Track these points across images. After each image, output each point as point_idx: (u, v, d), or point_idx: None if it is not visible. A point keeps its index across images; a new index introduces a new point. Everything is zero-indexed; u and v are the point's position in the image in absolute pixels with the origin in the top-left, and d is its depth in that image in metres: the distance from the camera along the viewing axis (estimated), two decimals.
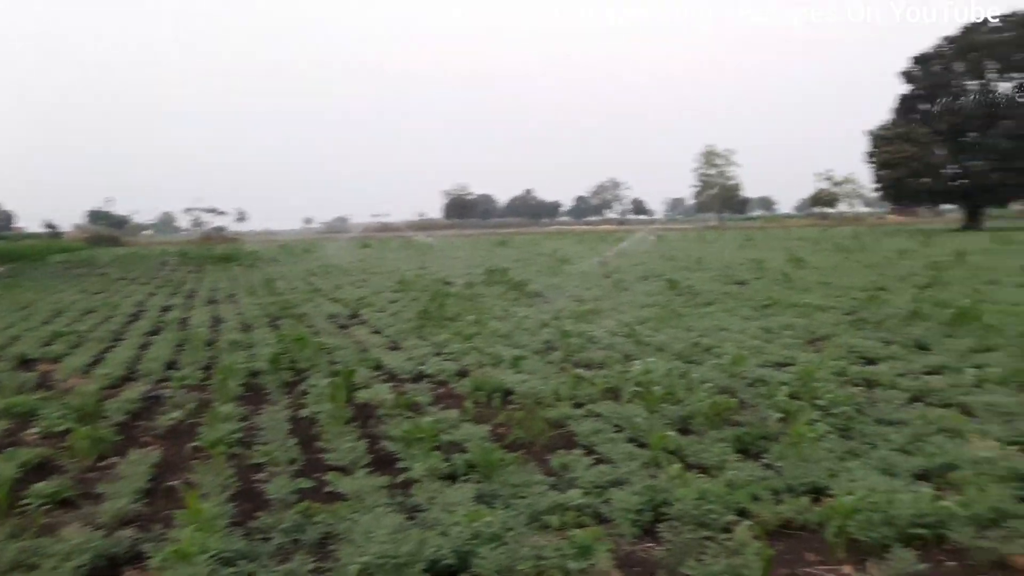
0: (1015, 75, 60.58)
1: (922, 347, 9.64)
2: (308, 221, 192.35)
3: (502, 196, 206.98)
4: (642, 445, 5.89)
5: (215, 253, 42.69)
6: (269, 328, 13.23)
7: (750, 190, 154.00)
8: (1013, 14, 60.21)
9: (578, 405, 7.29)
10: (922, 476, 5.12)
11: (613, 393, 7.67)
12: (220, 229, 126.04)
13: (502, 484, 5.10)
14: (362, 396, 7.82)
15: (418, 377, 8.99)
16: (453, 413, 7.01)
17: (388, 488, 5.23)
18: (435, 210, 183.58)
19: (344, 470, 5.66)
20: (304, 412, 7.38)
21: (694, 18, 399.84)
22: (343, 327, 13.47)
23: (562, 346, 9.94)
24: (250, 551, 4.32)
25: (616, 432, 6.31)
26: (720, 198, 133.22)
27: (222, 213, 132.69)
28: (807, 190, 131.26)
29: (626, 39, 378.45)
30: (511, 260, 30.59)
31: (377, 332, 12.59)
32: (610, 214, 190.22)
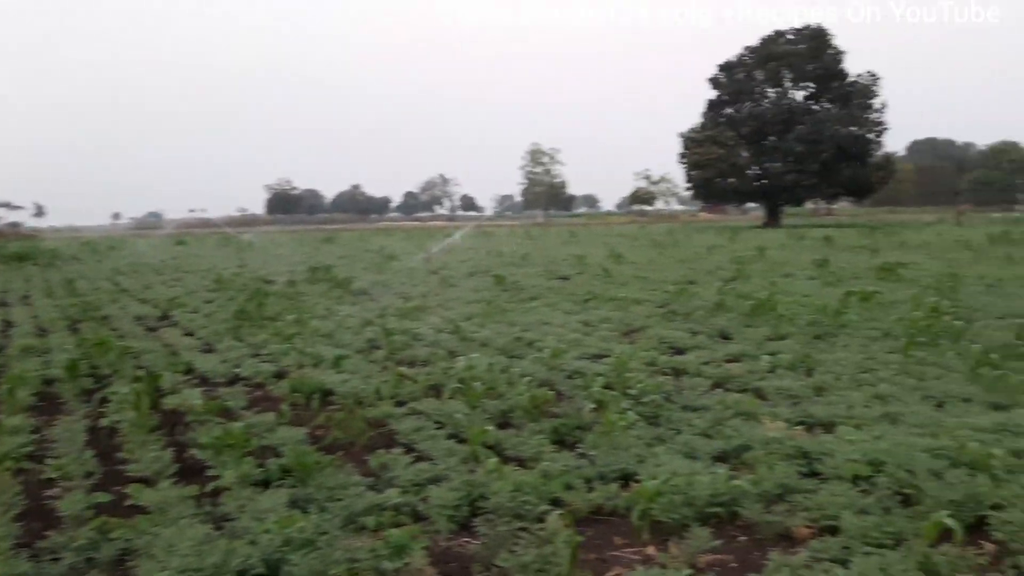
0: (808, 84, 66.16)
1: (725, 337, 10.32)
2: (116, 217, 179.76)
3: (329, 191, 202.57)
4: (462, 441, 5.93)
5: (7, 251, 38.99)
6: (68, 332, 12.26)
7: (575, 188, 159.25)
8: (805, 28, 65.70)
9: (400, 404, 7.25)
10: (720, 458, 5.47)
11: (436, 390, 7.68)
12: (15, 225, 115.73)
13: (318, 488, 4.98)
14: (170, 402, 7.39)
15: (233, 380, 8.62)
16: (269, 417, 6.76)
17: (195, 498, 4.97)
18: (258, 205, 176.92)
19: (147, 481, 5.33)
20: (104, 421, 6.89)
21: (522, 16, 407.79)
22: (152, 329, 12.71)
23: (386, 344, 9.84)
24: (37, 573, 4.00)
25: (437, 429, 6.33)
26: (546, 195, 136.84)
27: (17, 208, 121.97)
28: (628, 189, 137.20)
29: (455, 35, 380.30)
30: (336, 257, 29.99)
31: (190, 334, 11.97)
32: (440, 210, 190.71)
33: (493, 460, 5.12)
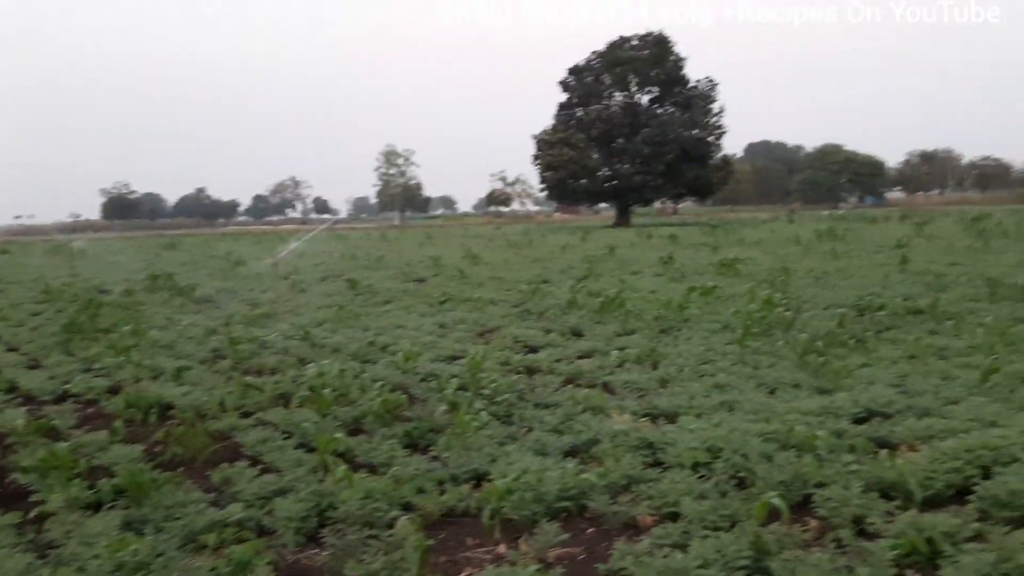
0: (652, 89, 68.88)
1: (577, 334, 10.55)
2: None
3: (172, 195, 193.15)
4: (311, 450, 5.77)
5: None
6: None
7: (432, 189, 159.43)
8: (649, 34, 68.37)
9: (246, 415, 6.98)
10: (570, 453, 5.58)
11: (284, 399, 7.44)
12: None
13: (154, 507, 4.71)
14: None
15: (61, 398, 8.04)
16: (102, 435, 6.35)
17: (17, 526, 4.61)
18: (94, 211, 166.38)
19: None
20: None
21: (377, 18, 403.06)
22: None
23: (231, 353, 9.45)
24: None
25: (285, 439, 6.12)
26: (402, 197, 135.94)
27: None
28: (484, 190, 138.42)
29: (305, 36, 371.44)
30: (179, 264, 28.61)
31: (13, 349, 11.06)
32: (292, 214, 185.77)
33: (343, 468, 5.01)
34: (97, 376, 8.74)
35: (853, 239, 27.75)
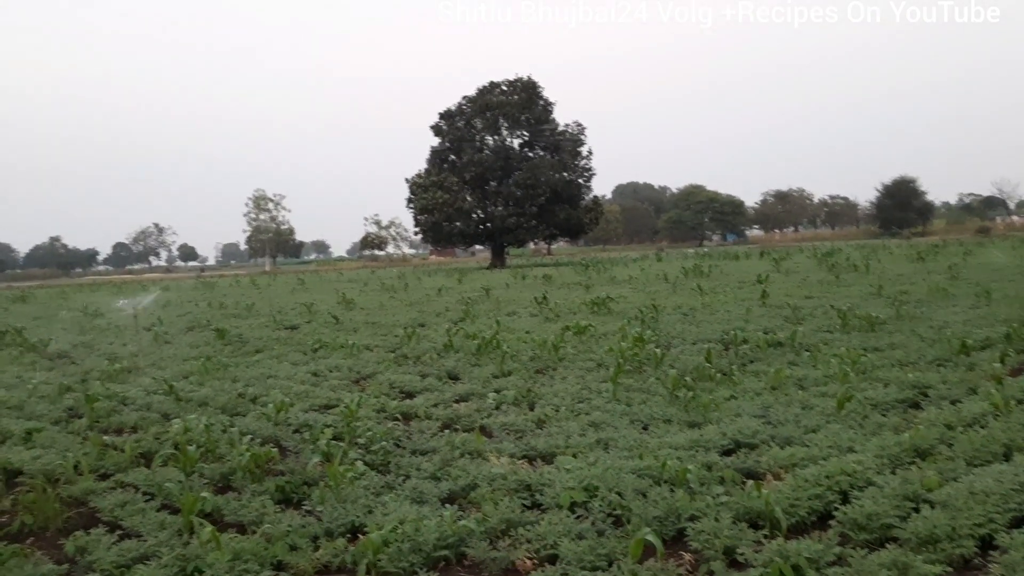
0: (522, 133, 70.32)
1: (453, 377, 10.52)
2: None
3: (22, 245, 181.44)
4: (175, 511, 5.48)
5: None
6: None
7: (304, 234, 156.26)
8: (518, 80, 69.93)
9: (104, 476, 6.59)
10: (449, 499, 5.53)
11: (146, 458, 7.05)
12: None
13: None
14: None
15: None
16: None
17: None
18: None
19: None
20: None
21: (250, 58, 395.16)
22: None
23: (87, 412, 8.89)
24: None
25: (147, 502, 5.79)
26: (273, 242, 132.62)
27: None
28: (358, 233, 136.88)
29: (168, 73, 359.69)
30: (30, 318, 26.83)
31: None
32: (157, 262, 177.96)
33: (209, 529, 4.76)
34: None
35: (717, 275, 29.03)
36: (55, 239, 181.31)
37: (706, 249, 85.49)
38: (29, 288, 75.82)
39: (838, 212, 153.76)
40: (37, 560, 4.73)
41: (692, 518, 4.73)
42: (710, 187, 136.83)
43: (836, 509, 4.71)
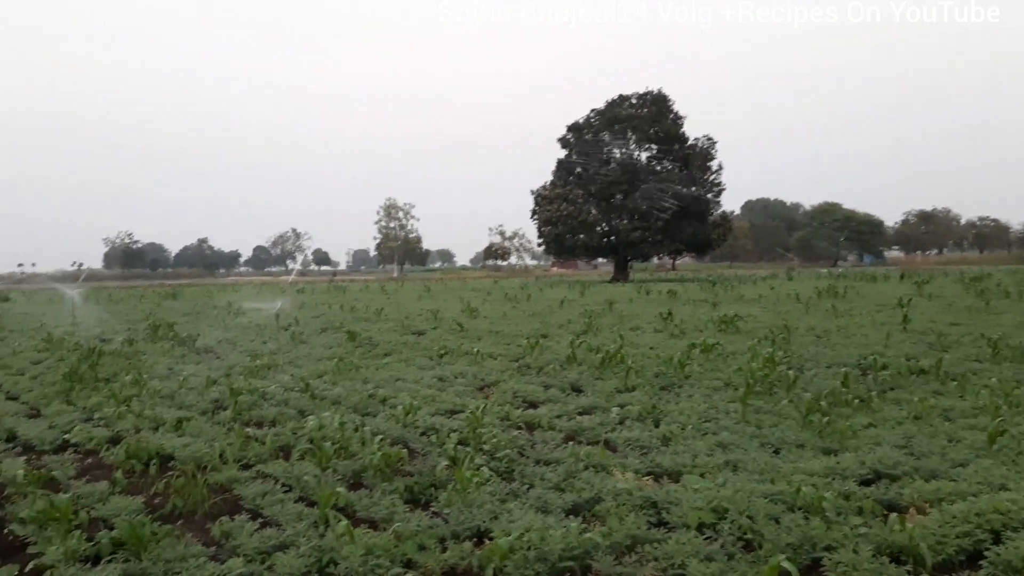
0: (651, 146, 69.72)
1: (577, 389, 10.51)
2: None
3: (174, 245, 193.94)
4: (312, 504, 5.73)
5: None
6: None
7: (430, 243, 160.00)
8: (647, 93, 69.45)
9: (246, 467, 6.94)
10: (573, 511, 5.52)
11: (284, 452, 7.40)
12: None
13: (154, 561, 4.65)
14: None
15: (61, 447, 7.98)
16: (101, 486, 6.30)
17: None
18: (95, 260, 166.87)
19: None
20: None
21: (382, 76, 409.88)
22: None
23: (231, 405, 9.41)
24: None
25: (285, 493, 6.08)
26: (401, 250, 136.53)
27: None
28: (482, 243, 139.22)
29: (308, 90, 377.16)
30: (180, 314, 28.62)
31: (13, 398, 11.02)
32: (293, 265, 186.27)
33: (343, 523, 4.95)
34: (97, 426, 8.70)
35: (854, 297, 27.81)
36: (203, 240, 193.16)
37: (840, 270, 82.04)
38: (178, 285, 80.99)
39: (987, 235, 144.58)
40: (187, 541, 5.03)
41: (828, 548, 4.55)
42: (847, 205, 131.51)
43: (987, 549, 4.43)
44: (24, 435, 8.42)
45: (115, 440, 8.08)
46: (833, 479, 5.84)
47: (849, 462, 6.27)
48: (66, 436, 8.27)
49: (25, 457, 7.46)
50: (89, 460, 7.51)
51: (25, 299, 49.73)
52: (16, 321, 27.22)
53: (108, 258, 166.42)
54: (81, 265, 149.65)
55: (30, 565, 4.71)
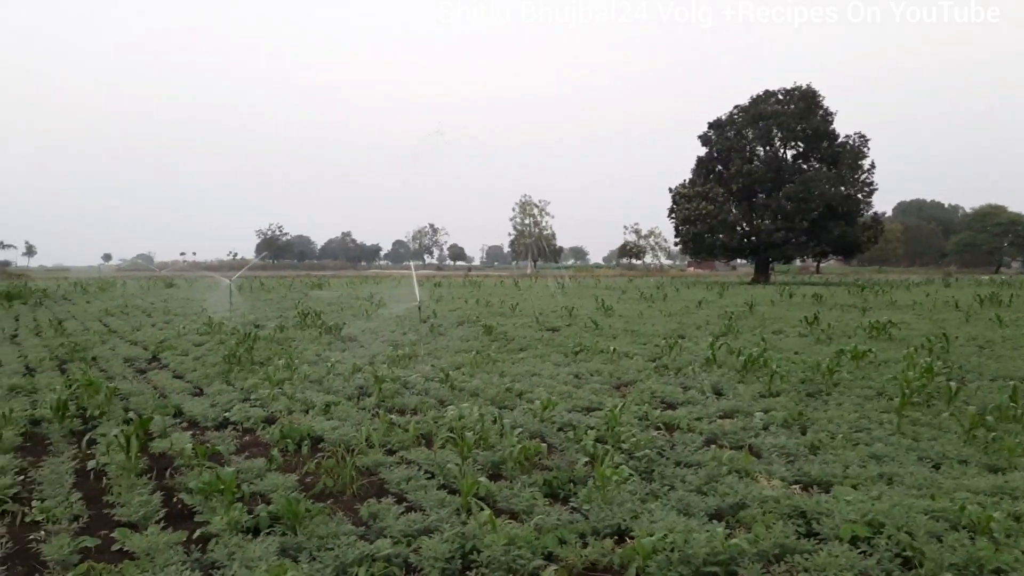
0: (797, 144, 67.16)
1: (717, 392, 10.26)
2: (107, 258, 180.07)
3: (319, 238, 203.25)
4: (453, 492, 5.85)
5: None
6: (56, 372, 12.12)
7: (564, 240, 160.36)
8: (795, 89, 66.92)
9: (390, 452, 7.16)
10: (716, 515, 5.40)
11: (426, 439, 7.60)
12: (5, 264, 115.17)
13: (308, 536, 4.88)
14: (158, 446, 7.29)
15: (222, 424, 8.51)
16: (259, 462, 6.67)
17: (183, 544, 4.86)
18: (248, 250, 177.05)
19: (134, 526, 5.21)
20: (92, 464, 6.75)
21: (517, 79, 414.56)
22: (141, 371, 12.56)
23: (376, 391, 9.76)
24: None
25: (428, 479, 6.23)
26: (535, 247, 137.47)
27: (8, 246, 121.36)
28: (616, 241, 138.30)
29: (446, 87, 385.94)
30: (326, 304, 29.92)
31: (179, 377, 11.84)
32: (429, 259, 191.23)
33: (486, 512, 5.03)
34: (254, 406, 9.21)
35: (1021, 306, 25.85)
36: (346, 234, 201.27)
37: (1004, 276, 76.42)
38: (324, 277, 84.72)
39: None
40: (338, 519, 5.25)
41: (997, 571, 4.24)
42: (1012, 208, 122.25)
43: None
44: (189, 411, 9.02)
45: (270, 420, 8.55)
46: (1001, 498, 5.45)
47: (1019, 481, 5.83)
48: (226, 414, 8.81)
49: (191, 432, 7.99)
50: (247, 437, 7.96)
51: (188, 285, 53.36)
52: (180, 306, 29.25)
53: (259, 248, 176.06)
54: (236, 255, 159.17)
55: (197, 532, 5.04)
